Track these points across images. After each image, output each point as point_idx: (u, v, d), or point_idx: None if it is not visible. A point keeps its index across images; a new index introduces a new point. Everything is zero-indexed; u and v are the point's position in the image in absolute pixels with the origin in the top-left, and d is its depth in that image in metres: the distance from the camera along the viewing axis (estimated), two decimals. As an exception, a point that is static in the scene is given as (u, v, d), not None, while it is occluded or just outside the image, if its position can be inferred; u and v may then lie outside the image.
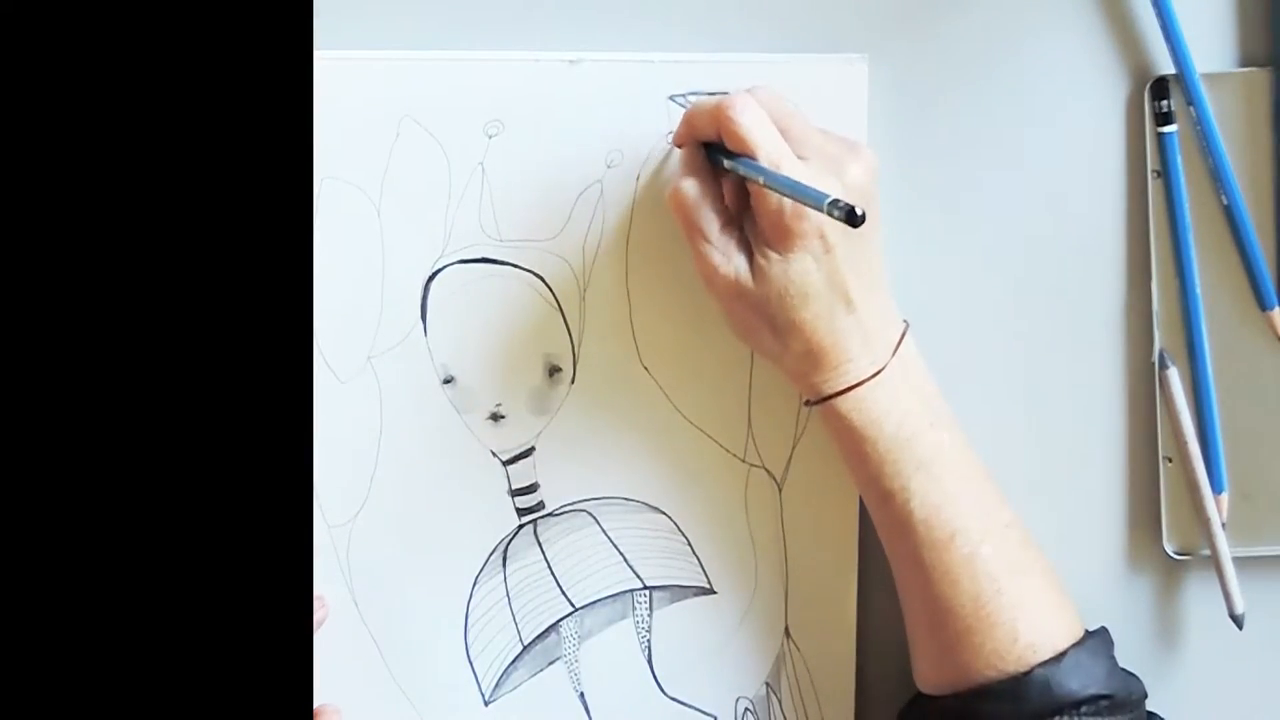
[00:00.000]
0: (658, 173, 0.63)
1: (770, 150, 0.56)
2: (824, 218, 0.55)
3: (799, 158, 0.56)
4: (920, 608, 0.60)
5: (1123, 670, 0.61)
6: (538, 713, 0.66)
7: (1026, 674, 0.58)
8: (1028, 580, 0.59)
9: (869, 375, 0.58)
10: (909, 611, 0.62)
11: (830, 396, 0.58)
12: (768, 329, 0.58)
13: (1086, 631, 0.60)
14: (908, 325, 0.60)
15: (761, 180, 0.55)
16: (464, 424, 0.64)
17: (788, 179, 0.55)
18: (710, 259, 0.58)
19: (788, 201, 0.55)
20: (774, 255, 0.57)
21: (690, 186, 0.58)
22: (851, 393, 0.58)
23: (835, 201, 0.51)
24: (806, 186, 0.54)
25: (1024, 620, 0.58)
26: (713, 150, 0.59)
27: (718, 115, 0.57)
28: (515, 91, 0.62)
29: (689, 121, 0.59)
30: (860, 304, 0.58)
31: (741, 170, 0.56)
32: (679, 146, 0.60)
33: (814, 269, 0.57)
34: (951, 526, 0.58)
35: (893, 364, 0.59)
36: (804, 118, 0.59)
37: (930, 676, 0.61)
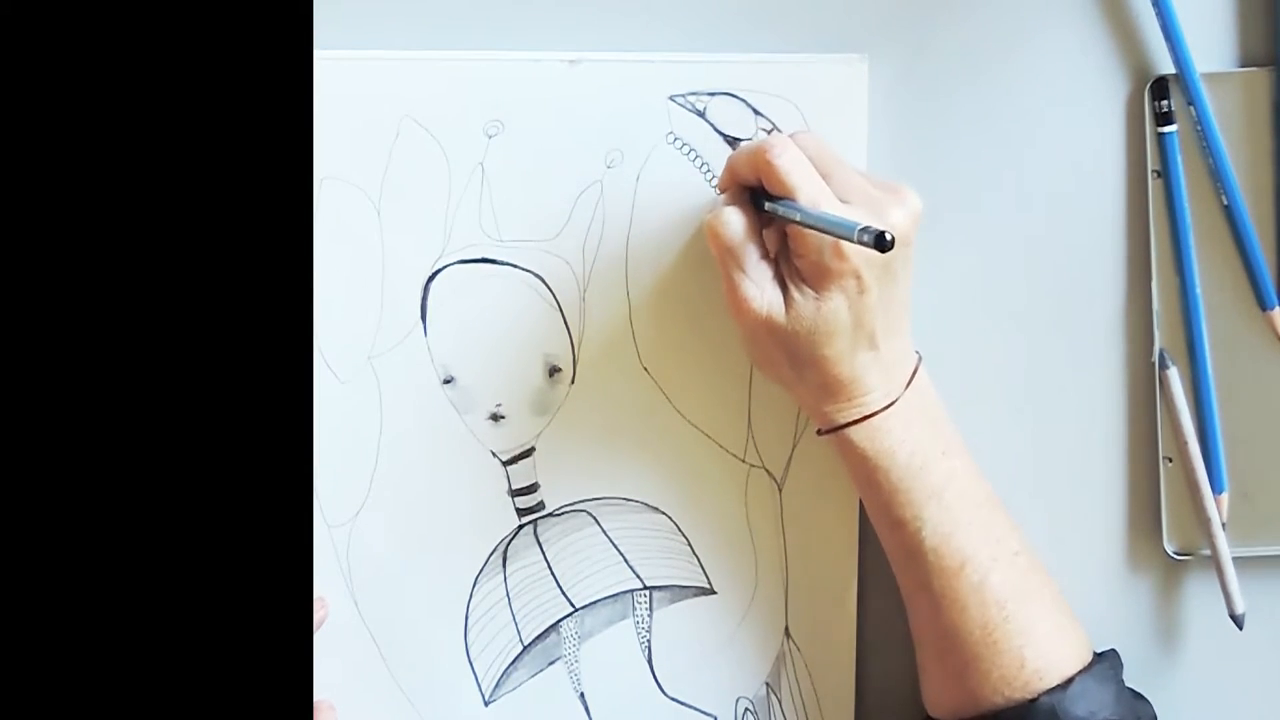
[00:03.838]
0: (701, 217, 0.62)
1: (809, 190, 0.56)
2: (861, 259, 0.56)
3: (841, 200, 0.57)
4: (929, 634, 0.61)
5: (1131, 692, 0.61)
6: (538, 713, 0.66)
7: (1033, 701, 0.58)
8: (1036, 607, 0.60)
9: (882, 406, 0.59)
10: (918, 637, 0.62)
11: (843, 426, 0.59)
12: (788, 361, 0.58)
13: (1095, 655, 0.61)
14: (920, 358, 0.60)
15: (798, 217, 0.56)
16: (464, 424, 0.64)
17: (820, 213, 0.55)
18: (744, 290, 0.58)
19: (828, 241, 0.56)
20: (809, 292, 0.57)
21: (731, 216, 0.58)
22: (864, 423, 0.58)
23: (865, 229, 0.52)
24: (836, 218, 0.54)
25: (1031, 647, 0.59)
26: (754, 195, 0.59)
27: (757, 158, 0.57)
28: (515, 91, 0.62)
29: (731, 167, 0.60)
30: (883, 343, 0.58)
31: (780, 211, 0.57)
32: (722, 191, 0.61)
33: (845, 309, 0.57)
34: (962, 554, 0.59)
35: (906, 395, 0.59)
36: (847, 163, 0.59)
37: (939, 701, 0.61)
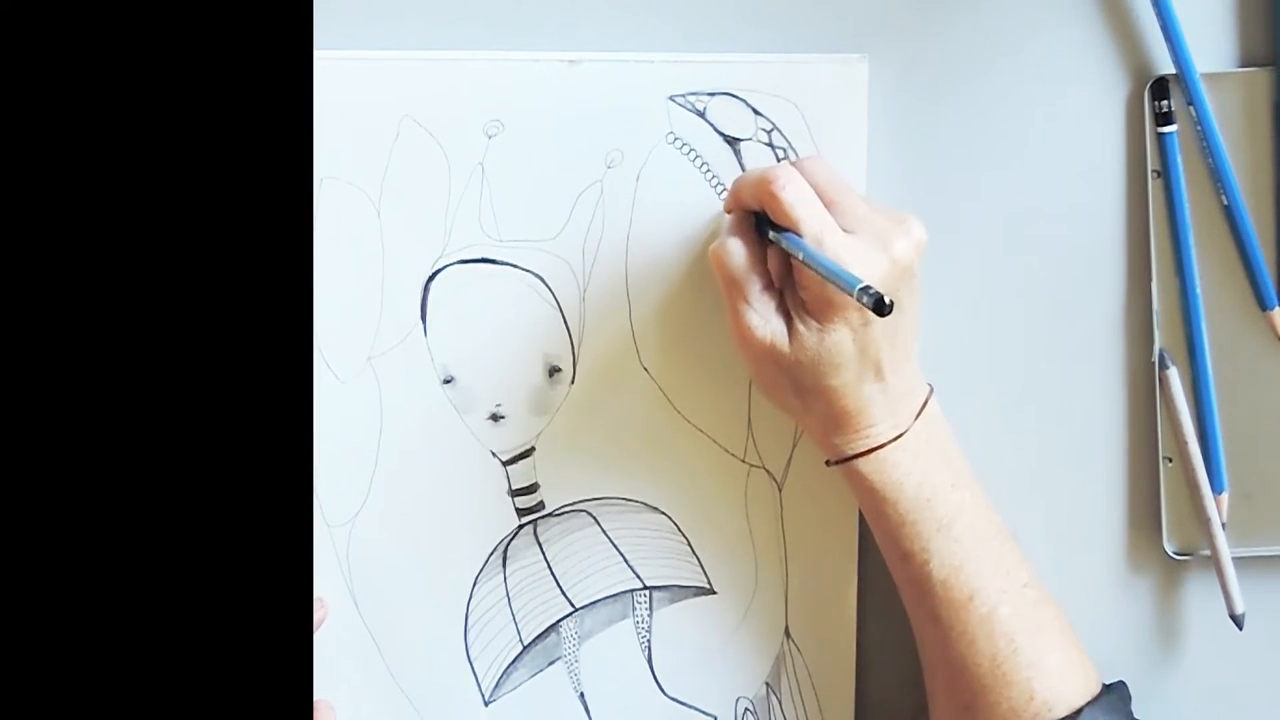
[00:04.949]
0: (706, 234, 0.63)
1: (813, 226, 0.56)
2: None
3: (845, 230, 0.56)
4: (938, 665, 0.61)
5: None
6: (538, 713, 0.66)
7: None
8: (1044, 639, 0.60)
9: (890, 439, 0.59)
10: (927, 667, 0.62)
11: (851, 458, 0.59)
12: (794, 391, 0.58)
13: (1104, 686, 0.61)
14: (932, 390, 0.60)
15: (800, 257, 0.56)
16: (464, 424, 0.64)
17: (824, 260, 0.55)
18: (748, 320, 0.58)
19: None
20: (813, 324, 0.57)
21: (735, 247, 0.58)
22: (872, 454, 0.58)
23: (866, 289, 0.52)
24: (840, 270, 0.54)
25: (1039, 679, 0.59)
26: (759, 219, 0.59)
27: (761, 190, 0.57)
28: (515, 91, 0.62)
29: (736, 191, 0.60)
30: (889, 374, 0.58)
31: (784, 245, 0.57)
32: (728, 213, 0.60)
33: (849, 340, 0.57)
34: (970, 587, 0.59)
35: (915, 427, 0.59)
36: (854, 190, 0.59)
37: None
